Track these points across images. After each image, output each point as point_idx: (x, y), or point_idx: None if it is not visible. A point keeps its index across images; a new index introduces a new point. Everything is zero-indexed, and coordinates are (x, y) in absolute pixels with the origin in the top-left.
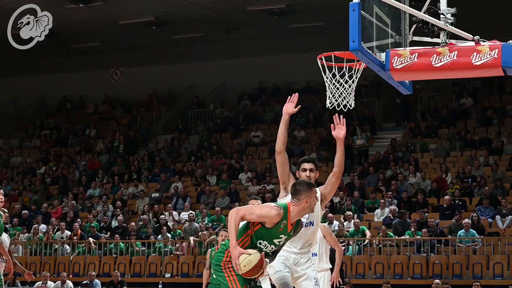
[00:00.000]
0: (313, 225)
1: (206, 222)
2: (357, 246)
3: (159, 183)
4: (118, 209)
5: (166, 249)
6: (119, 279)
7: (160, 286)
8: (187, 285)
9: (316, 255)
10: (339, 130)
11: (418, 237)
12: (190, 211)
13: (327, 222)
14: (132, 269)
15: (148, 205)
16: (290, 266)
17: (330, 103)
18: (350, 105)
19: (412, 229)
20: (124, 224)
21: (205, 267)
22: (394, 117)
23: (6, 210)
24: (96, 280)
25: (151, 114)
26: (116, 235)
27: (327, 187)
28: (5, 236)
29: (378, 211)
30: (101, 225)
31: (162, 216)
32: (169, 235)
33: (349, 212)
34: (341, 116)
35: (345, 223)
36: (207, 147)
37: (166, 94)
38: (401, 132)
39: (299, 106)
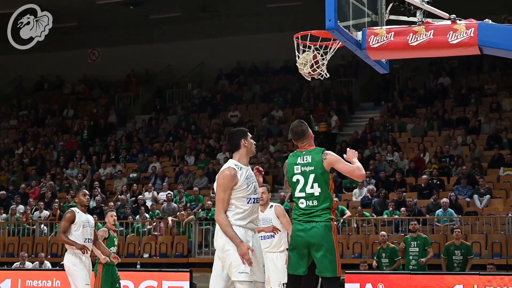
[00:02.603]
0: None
1: (184, 202)
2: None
3: (137, 163)
4: (96, 189)
5: (144, 229)
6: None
7: (138, 266)
8: (165, 265)
9: (274, 237)
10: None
11: (396, 216)
12: (168, 191)
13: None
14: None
15: (126, 185)
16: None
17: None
18: (326, 74)
19: (390, 209)
20: (102, 205)
21: (101, 238)
22: (372, 96)
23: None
24: None
25: (129, 94)
26: (94, 215)
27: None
28: (89, 217)
29: (356, 190)
30: None
31: (140, 196)
32: (147, 215)
33: None
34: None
35: None
36: (185, 127)
37: (144, 74)
38: (379, 111)
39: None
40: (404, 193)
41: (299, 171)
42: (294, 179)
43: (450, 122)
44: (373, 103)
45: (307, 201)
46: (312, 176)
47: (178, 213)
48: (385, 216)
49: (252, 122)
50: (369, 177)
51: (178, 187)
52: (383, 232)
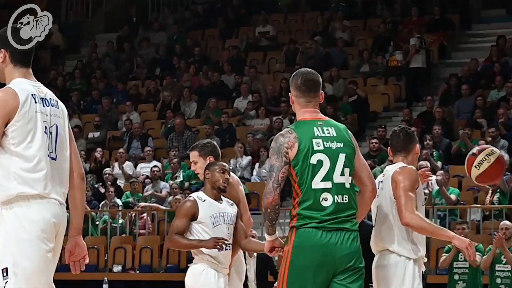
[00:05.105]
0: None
1: (181, 178)
2: (438, 219)
3: (101, 114)
4: None
5: (114, 224)
6: None
7: (105, 285)
8: (151, 284)
9: None
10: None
11: None
12: (154, 162)
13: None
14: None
15: (84, 151)
16: None
17: None
18: None
19: None
20: None
21: None
22: None
23: None
24: None
25: None
26: None
27: None
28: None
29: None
30: None
31: (107, 169)
32: (118, 201)
33: (424, 162)
34: None
35: None
36: (181, 53)
37: None
38: None
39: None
40: None
41: (321, 147)
42: (313, 160)
43: None
44: (505, 10)
45: (336, 196)
46: (342, 157)
47: (170, 197)
48: None
49: (295, 44)
50: (497, 137)
51: (169, 154)
52: (507, 222)
